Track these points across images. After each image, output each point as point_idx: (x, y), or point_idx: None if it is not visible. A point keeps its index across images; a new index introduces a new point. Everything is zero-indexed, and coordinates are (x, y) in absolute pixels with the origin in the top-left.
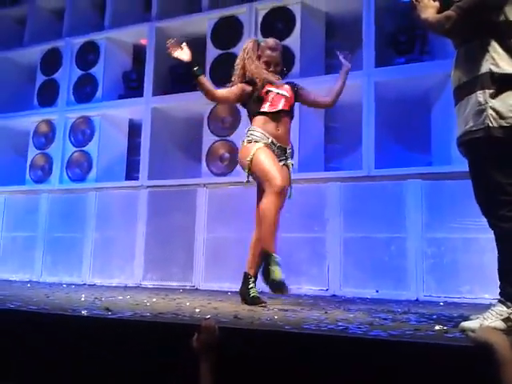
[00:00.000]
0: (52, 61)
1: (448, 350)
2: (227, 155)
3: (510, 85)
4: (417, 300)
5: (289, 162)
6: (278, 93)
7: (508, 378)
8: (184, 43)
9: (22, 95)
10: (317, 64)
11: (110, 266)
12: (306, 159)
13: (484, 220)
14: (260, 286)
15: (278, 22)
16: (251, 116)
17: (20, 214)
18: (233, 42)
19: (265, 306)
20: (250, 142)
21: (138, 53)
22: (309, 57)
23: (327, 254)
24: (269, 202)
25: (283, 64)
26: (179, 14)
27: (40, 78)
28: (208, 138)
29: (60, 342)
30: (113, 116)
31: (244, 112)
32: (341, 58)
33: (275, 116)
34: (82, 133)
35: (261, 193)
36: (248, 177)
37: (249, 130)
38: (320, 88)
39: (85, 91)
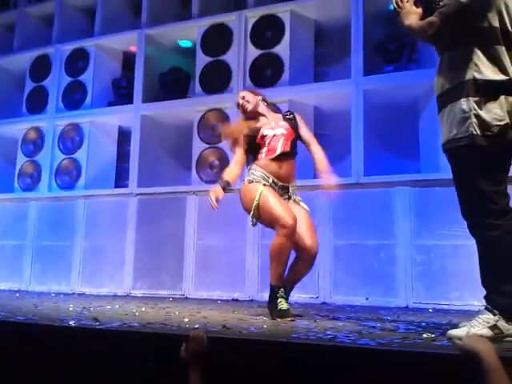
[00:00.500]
0: (41, 67)
1: (435, 358)
2: (217, 162)
3: (493, 92)
4: (406, 307)
5: (294, 198)
6: (274, 134)
7: None
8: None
9: (11, 102)
10: (306, 72)
11: (99, 274)
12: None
13: None
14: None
15: (267, 30)
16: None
17: (8, 222)
18: (222, 49)
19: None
20: (250, 181)
21: (128, 60)
22: (298, 64)
23: (317, 262)
24: (279, 243)
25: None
26: (169, 21)
27: (29, 85)
28: (198, 146)
29: (48, 353)
30: (102, 123)
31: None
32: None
33: (276, 158)
34: (71, 140)
35: None
36: (253, 220)
37: (250, 169)
38: (309, 96)
39: (74, 98)
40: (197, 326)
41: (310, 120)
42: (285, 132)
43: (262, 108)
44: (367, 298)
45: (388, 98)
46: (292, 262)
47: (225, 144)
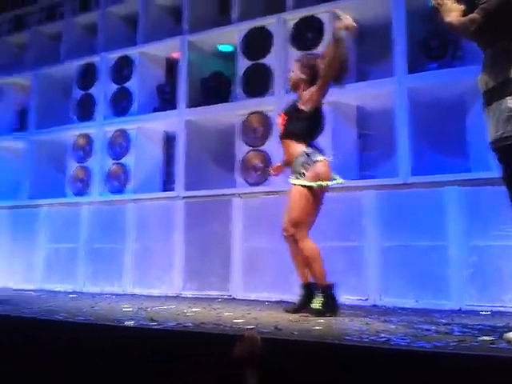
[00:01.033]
0: (88, 76)
1: (493, 361)
2: (260, 165)
3: None
4: (459, 310)
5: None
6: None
7: None
8: None
9: (59, 110)
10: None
11: (149, 276)
12: (340, 168)
13: None
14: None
15: (307, 32)
16: None
17: (62, 226)
18: (263, 52)
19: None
20: None
21: (171, 66)
22: None
23: (366, 263)
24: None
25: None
26: (209, 26)
27: (76, 93)
28: (241, 149)
29: (108, 353)
30: (148, 128)
31: (275, 121)
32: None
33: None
34: (119, 146)
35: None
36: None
37: None
38: (352, 96)
39: (121, 105)
40: (250, 326)
41: (352, 120)
42: (280, 119)
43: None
44: (417, 301)
45: (433, 95)
46: None
47: (267, 146)
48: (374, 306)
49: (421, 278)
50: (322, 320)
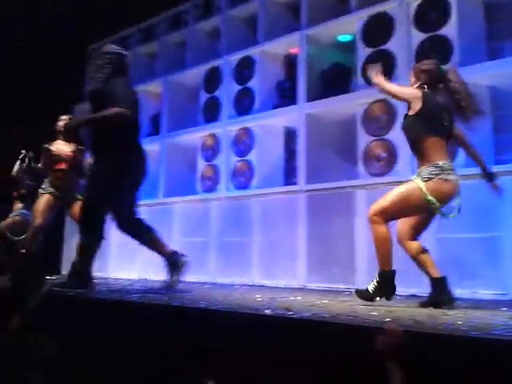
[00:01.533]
0: (213, 79)
1: None
2: (384, 155)
3: None
4: None
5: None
6: None
7: None
8: None
9: (187, 113)
10: (478, 50)
11: (275, 267)
12: None
13: None
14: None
15: (431, 12)
16: None
17: (194, 221)
18: (384, 38)
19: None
20: None
21: (289, 61)
22: (468, 44)
23: (504, 255)
24: None
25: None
26: (328, 17)
27: (203, 96)
28: (363, 139)
29: (248, 341)
30: (269, 125)
31: (401, 109)
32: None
33: None
34: (242, 143)
35: None
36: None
37: None
38: (483, 76)
39: (244, 104)
40: (389, 319)
41: (485, 102)
42: None
43: None
44: None
45: None
46: None
47: (391, 135)
48: None
49: None
50: (460, 314)
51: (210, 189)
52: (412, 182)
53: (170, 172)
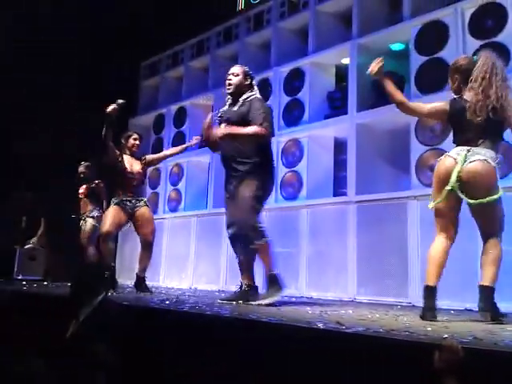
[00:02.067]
0: (263, 90)
1: None
2: None
3: None
4: None
5: None
6: None
7: None
8: None
9: None
10: None
11: (324, 279)
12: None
13: None
14: None
15: (487, 19)
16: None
17: None
18: (439, 46)
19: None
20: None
21: (340, 71)
22: None
23: None
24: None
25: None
26: (381, 26)
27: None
28: (416, 149)
29: (300, 355)
30: (319, 136)
31: None
32: None
33: None
34: (292, 154)
35: None
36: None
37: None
38: None
39: (293, 115)
40: (446, 335)
41: None
42: None
43: None
44: None
45: None
46: None
47: (446, 145)
48: None
49: None
50: None
51: None
52: None
53: (219, 183)
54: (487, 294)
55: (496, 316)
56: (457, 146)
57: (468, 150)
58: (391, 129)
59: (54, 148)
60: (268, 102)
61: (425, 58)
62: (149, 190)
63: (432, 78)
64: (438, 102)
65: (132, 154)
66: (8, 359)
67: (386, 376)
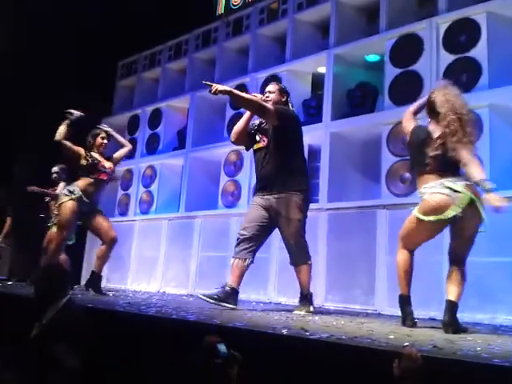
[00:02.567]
0: None
1: None
2: (408, 175)
3: None
4: None
5: None
6: None
7: None
8: None
9: (214, 129)
10: (507, 73)
11: (293, 285)
12: (499, 175)
13: None
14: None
15: (460, 35)
16: None
17: (213, 235)
18: (413, 59)
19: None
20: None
21: (316, 80)
22: (498, 66)
23: None
24: None
25: None
26: (357, 37)
27: (229, 113)
28: (387, 159)
29: (265, 360)
30: None
31: None
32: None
33: None
34: None
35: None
36: None
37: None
38: None
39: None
40: (407, 343)
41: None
42: None
43: None
44: None
45: None
46: None
47: None
48: None
49: None
50: (479, 340)
51: (231, 204)
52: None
53: (192, 186)
54: (452, 308)
55: (459, 330)
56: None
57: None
58: (364, 139)
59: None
60: (243, 109)
61: (399, 71)
62: (120, 192)
63: (405, 90)
64: None
65: (101, 153)
66: None
67: (346, 382)
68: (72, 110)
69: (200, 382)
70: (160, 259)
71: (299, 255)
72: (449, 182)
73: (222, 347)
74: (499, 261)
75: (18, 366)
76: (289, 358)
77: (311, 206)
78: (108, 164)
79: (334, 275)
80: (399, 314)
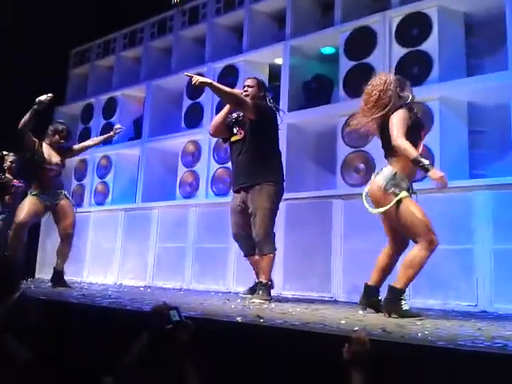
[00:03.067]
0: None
1: None
2: (362, 166)
3: None
4: None
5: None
6: None
7: None
8: None
9: (170, 119)
10: (457, 66)
11: (251, 275)
12: (448, 166)
13: None
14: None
15: (412, 28)
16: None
17: (171, 226)
18: (367, 52)
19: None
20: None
21: (273, 71)
22: (448, 60)
23: (476, 267)
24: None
25: None
26: (312, 30)
27: (186, 103)
28: (342, 150)
29: (218, 349)
30: None
31: None
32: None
33: None
34: (224, 150)
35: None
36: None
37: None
38: (462, 92)
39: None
40: (356, 328)
41: (463, 116)
42: None
43: None
44: None
45: None
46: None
47: (370, 147)
48: (484, 312)
49: None
50: (428, 324)
51: (189, 195)
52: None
53: (149, 177)
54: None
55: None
56: None
57: None
58: (320, 130)
59: None
60: (201, 98)
61: (353, 63)
62: (74, 182)
63: (359, 83)
64: None
65: (52, 146)
66: None
67: (298, 365)
68: (41, 98)
69: (150, 348)
70: (117, 251)
71: (265, 244)
72: None
73: (174, 314)
74: (450, 248)
75: None
76: (244, 345)
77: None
78: (54, 159)
79: (292, 264)
80: (355, 300)
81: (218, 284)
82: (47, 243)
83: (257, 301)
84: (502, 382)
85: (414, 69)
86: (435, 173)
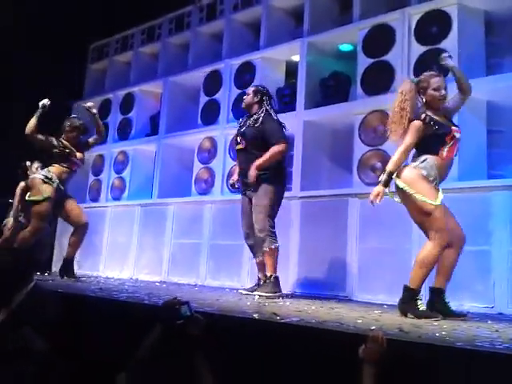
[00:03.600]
0: (213, 82)
1: None
2: (379, 164)
3: None
4: None
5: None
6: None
7: None
8: None
9: (187, 115)
10: (476, 65)
11: None
12: (466, 166)
13: None
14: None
15: (432, 26)
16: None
17: (187, 222)
18: (385, 49)
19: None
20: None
21: (290, 68)
22: (467, 58)
23: (493, 269)
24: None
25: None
26: (330, 27)
27: (203, 99)
28: (359, 148)
29: (234, 345)
30: None
31: None
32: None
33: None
34: None
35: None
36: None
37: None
38: (481, 91)
39: (242, 109)
40: (373, 327)
41: (482, 116)
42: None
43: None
44: None
45: None
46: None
47: (387, 146)
48: (501, 314)
49: None
50: (445, 325)
51: (205, 191)
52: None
53: (165, 173)
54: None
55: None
56: None
57: None
58: (337, 128)
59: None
60: (218, 95)
61: (371, 61)
62: (91, 177)
63: (377, 80)
64: None
65: (70, 142)
66: None
67: (314, 363)
68: (44, 101)
69: (162, 342)
70: (133, 246)
71: (264, 239)
72: None
73: (185, 309)
74: (467, 249)
75: None
76: (260, 342)
77: (284, 194)
78: (79, 155)
79: (306, 262)
80: (368, 300)
81: (233, 281)
82: (63, 240)
83: (260, 294)
84: None
85: (434, 67)
86: (375, 188)
